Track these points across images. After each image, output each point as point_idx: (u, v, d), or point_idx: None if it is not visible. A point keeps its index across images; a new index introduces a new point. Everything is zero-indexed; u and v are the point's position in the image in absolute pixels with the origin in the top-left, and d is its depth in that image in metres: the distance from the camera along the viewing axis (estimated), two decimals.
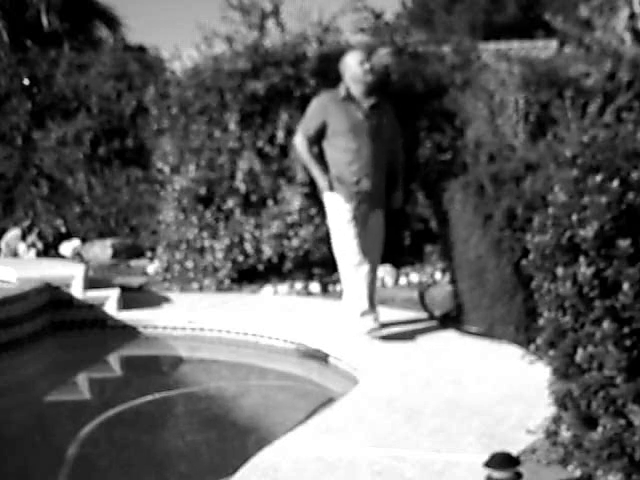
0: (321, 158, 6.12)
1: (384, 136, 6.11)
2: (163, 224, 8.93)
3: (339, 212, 6.08)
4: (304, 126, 6.18)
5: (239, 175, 8.34)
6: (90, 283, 7.64)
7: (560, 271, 3.39)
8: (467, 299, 6.10)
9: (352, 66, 6.10)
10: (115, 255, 9.88)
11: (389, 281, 7.93)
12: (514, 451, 3.59)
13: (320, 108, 6.13)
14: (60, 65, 11.36)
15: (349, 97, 6.07)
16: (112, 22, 16.74)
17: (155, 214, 9.40)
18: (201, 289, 8.29)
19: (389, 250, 6.72)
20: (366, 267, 6.03)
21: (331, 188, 6.06)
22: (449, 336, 6.07)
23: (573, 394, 3.42)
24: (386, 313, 6.38)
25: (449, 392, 4.87)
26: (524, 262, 3.63)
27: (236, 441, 5.16)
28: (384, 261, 6.56)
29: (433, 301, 7.04)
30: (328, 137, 6.06)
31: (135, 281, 8.54)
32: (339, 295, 7.83)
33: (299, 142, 6.17)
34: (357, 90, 6.07)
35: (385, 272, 7.86)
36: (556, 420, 3.72)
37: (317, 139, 6.10)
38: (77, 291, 7.48)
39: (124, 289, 7.76)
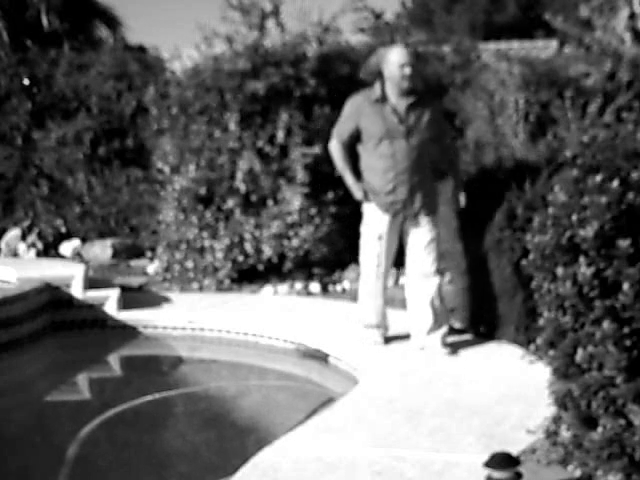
0: (357, 164, 5.75)
1: (424, 136, 5.63)
2: (163, 224, 8.93)
3: (371, 224, 5.78)
4: (338, 130, 5.78)
5: (239, 175, 8.34)
6: (90, 283, 7.63)
7: (560, 271, 3.39)
8: (467, 299, 6.09)
9: (391, 65, 5.57)
10: (115, 255, 9.87)
11: (389, 281, 7.92)
12: (514, 451, 3.59)
13: (353, 111, 5.71)
14: (60, 65, 11.35)
15: (384, 98, 5.62)
16: (112, 22, 16.74)
17: (155, 214, 9.40)
18: (201, 289, 8.29)
19: None
20: (381, 284, 5.84)
21: (366, 198, 5.73)
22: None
23: (573, 394, 3.42)
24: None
25: (449, 392, 4.87)
26: (524, 262, 3.63)
27: (236, 441, 5.16)
28: None
29: None
30: (363, 142, 5.69)
31: (135, 281, 8.54)
32: (339, 295, 7.85)
33: (333, 147, 5.79)
34: (392, 91, 5.62)
35: None
36: (556, 420, 3.72)
37: (352, 144, 5.74)
38: (77, 291, 7.48)
39: (124, 289, 7.76)
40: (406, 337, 6.05)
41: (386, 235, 5.71)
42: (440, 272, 5.79)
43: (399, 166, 5.58)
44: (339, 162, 5.79)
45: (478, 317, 5.97)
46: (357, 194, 5.77)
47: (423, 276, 5.73)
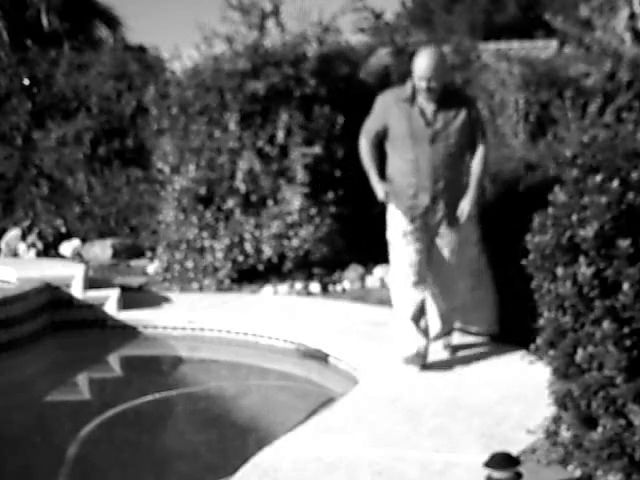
0: (383, 163, 5.51)
1: (451, 142, 5.29)
2: (163, 224, 8.93)
3: (395, 225, 5.44)
4: (366, 127, 5.53)
5: (239, 175, 8.34)
6: (90, 283, 7.64)
7: (560, 271, 3.39)
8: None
9: (415, 71, 5.27)
10: (115, 255, 9.88)
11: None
12: (514, 451, 3.59)
13: (382, 108, 5.44)
14: (60, 65, 11.36)
15: (413, 98, 5.33)
16: (112, 22, 16.75)
17: (155, 214, 9.41)
18: (201, 289, 8.29)
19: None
20: (416, 292, 5.39)
21: (388, 199, 5.42)
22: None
23: (573, 394, 3.42)
24: (385, 313, 6.37)
25: (449, 392, 4.87)
26: (524, 262, 3.63)
27: (236, 441, 5.16)
28: (384, 261, 6.48)
29: None
30: (389, 140, 5.43)
31: (135, 281, 8.54)
32: (339, 295, 7.85)
33: (361, 144, 5.53)
34: (420, 92, 5.32)
35: (385, 272, 7.86)
36: (556, 420, 3.72)
37: (379, 142, 5.48)
38: (77, 291, 7.48)
39: (124, 289, 7.76)
40: None
41: (410, 233, 5.38)
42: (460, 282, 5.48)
43: (422, 171, 5.29)
44: (365, 160, 5.51)
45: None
46: (379, 194, 5.45)
47: (444, 284, 5.50)
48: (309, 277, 8.20)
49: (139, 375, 7.06)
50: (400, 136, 5.35)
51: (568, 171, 3.53)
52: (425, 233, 5.40)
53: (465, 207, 5.35)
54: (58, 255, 10.14)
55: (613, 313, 3.28)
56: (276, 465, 3.90)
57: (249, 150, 8.33)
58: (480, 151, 5.40)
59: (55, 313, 7.43)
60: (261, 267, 8.29)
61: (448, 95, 5.35)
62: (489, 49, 11.06)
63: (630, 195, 3.32)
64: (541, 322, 3.54)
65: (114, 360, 7.35)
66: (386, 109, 5.42)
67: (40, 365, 7.19)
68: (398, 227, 5.42)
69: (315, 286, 8.03)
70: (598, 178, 3.37)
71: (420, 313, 5.43)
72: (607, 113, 7.50)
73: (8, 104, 11.20)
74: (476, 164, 5.40)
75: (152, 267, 9.06)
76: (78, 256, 9.95)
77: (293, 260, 8.23)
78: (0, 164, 11.06)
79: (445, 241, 5.42)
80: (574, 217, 3.38)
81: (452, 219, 5.38)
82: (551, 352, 3.51)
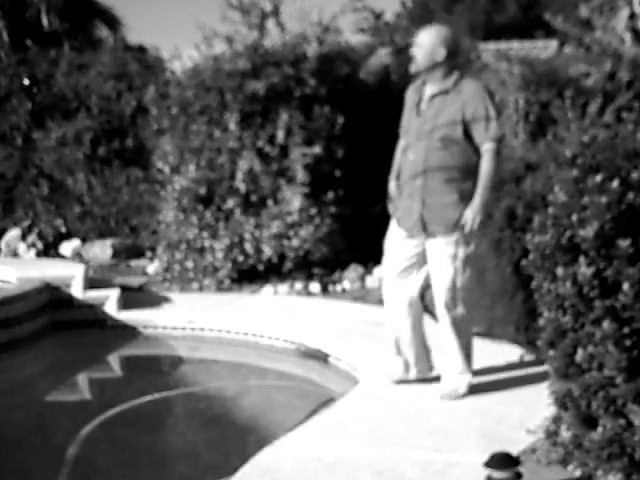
0: None
1: (435, 135, 4.55)
2: (163, 224, 8.93)
3: (389, 235, 4.91)
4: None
5: (239, 175, 8.34)
6: (90, 283, 7.64)
7: (560, 271, 3.39)
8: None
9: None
10: (115, 255, 9.88)
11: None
12: (514, 451, 3.59)
13: (406, 101, 4.82)
14: (60, 65, 11.36)
15: (423, 84, 4.70)
16: (112, 22, 16.77)
17: (155, 214, 9.41)
18: (201, 289, 8.29)
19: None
20: (393, 310, 4.94)
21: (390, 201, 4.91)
22: None
23: (573, 394, 3.42)
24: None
25: None
26: (524, 262, 3.63)
27: (236, 441, 5.16)
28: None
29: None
30: None
31: (135, 281, 8.54)
32: (339, 295, 7.85)
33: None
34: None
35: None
36: (556, 420, 3.72)
37: None
38: (77, 291, 7.48)
39: (124, 289, 7.76)
40: None
41: (392, 246, 4.83)
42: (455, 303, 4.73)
43: (405, 168, 4.71)
44: (396, 158, 4.92)
45: (477, 317, 5.96)
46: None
47: (439, 306, 4.80)
48: (309, 277, 8.21)
49: (139, 375, 7.06)
50: (402, 132, 4.87)
51: (568, 171, 3.53)
52: (405, 245, 4.76)
53: (468, 216, 4.51)
54: (58, 255, 10.14)
55: (613, 313, 3.28)
56: (276, 465, 3.89)
57: (249, 150, 8.34)
58: (487, 148, 4.52)
59: (55, 313, 7.43)
60: (261, 267, 8.29)
61: (451, 80, 4.58)
62: (489, 49, 11.08)
63: (630, 195, 3.32)
64: (541, 322, 3.54)
65: (114, 360, 7.35)
66: (406, 102, 4.82)
67: (40, 365, 7.19)
68: (387, 239, 4.91)
69: (315, 286, 8.03)
70: (598, 178, 3.37)
71: (406, 335, 4.98)
72: (607, 113, 7.50)
73: (8, 104, 11.21)
74: (483, 165, 4.53)
75: (152, 267, 9.06)
76: (78, 256, 9.96)
77: (293, 260, 8.23)
78: (0, 164, 11.06)
79: (435, 249, 4.66)
80: (574, 217, 3.38)
81: (430, 226, 4.62)
82: (551, 352, 3.51)
